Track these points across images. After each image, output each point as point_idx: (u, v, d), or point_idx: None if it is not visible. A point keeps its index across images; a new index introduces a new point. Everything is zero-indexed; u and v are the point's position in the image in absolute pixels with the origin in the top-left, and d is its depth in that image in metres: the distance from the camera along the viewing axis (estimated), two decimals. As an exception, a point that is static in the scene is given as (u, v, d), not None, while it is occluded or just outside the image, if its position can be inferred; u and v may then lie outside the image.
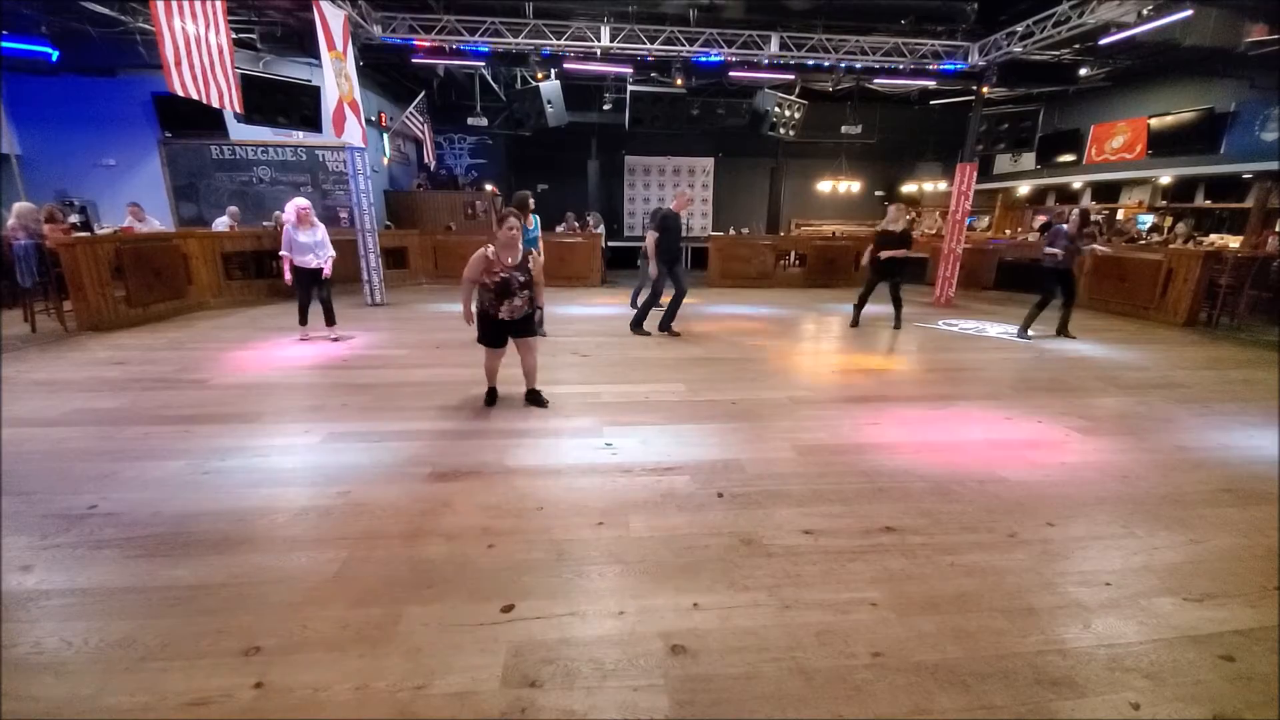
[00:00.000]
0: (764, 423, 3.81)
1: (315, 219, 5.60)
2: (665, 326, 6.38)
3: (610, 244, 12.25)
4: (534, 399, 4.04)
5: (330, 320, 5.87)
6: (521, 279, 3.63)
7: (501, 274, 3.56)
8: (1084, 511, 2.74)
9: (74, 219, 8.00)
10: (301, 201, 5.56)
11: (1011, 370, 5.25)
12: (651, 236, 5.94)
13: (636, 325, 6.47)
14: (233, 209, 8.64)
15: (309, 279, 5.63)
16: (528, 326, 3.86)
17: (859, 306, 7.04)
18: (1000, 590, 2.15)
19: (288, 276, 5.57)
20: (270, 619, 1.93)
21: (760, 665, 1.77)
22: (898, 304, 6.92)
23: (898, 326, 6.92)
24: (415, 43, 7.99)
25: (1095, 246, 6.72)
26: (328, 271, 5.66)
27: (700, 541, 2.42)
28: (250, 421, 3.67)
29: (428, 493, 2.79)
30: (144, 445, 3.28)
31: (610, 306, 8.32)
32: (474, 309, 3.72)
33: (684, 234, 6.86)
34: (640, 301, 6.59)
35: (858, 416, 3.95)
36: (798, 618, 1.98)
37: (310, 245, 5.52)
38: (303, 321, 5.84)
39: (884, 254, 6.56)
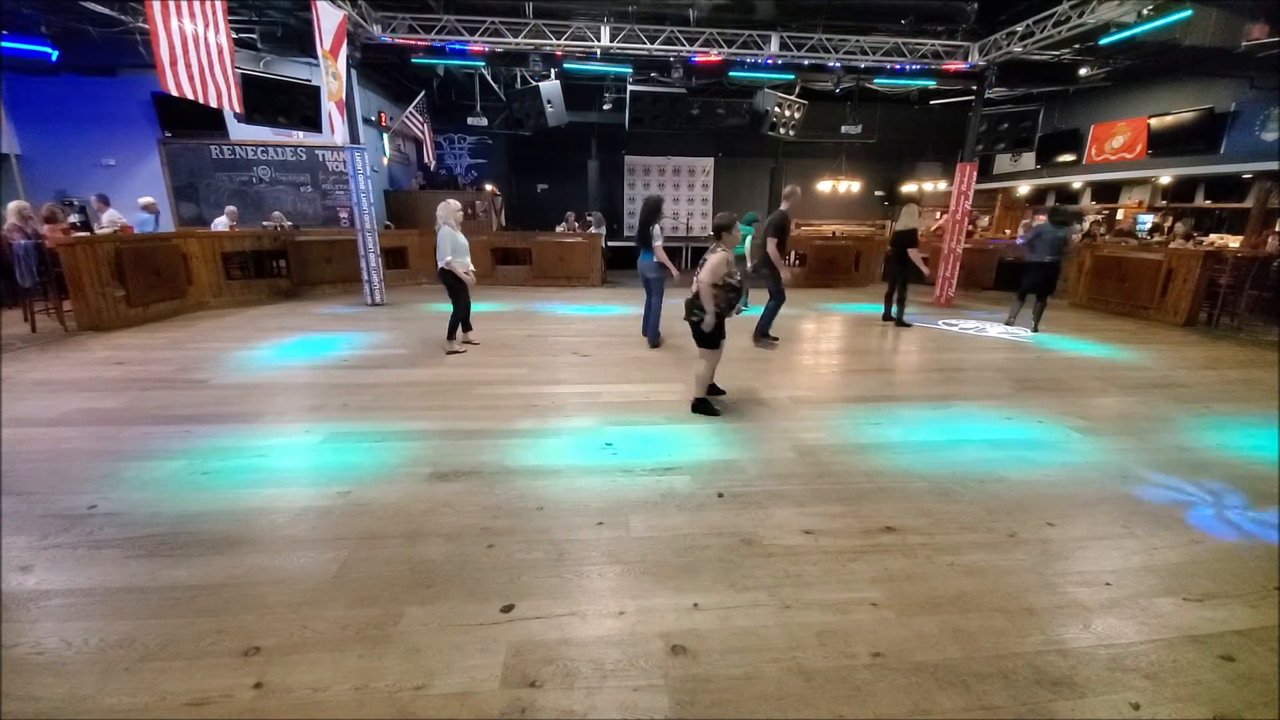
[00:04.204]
0: (764, 423, 3.81)
1: None
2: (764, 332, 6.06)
3: (610, 244, 12.24)
4: (715, 389, 4.19)
5: (454, 331, 5.57)
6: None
7: (739, 273, 3.71)
8: (1084, 511, 2.75)
9: (73, 219, 7.98)
10: (456, 202, 5.28)
11: (1011, 370, 5.24)
12: (773, 243, 5.66)
13: (761, 336, 6.04)
14: (231, 208, 8.65)
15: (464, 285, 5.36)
16: None
17: (888, 303, 7.28)
18: (1000, 590, 2.15)
19: (473, 281, 5.33)
20: (270, 619, 1.93)
21: (760, 665, 1.77)
22: (900, 302, 7.20)
23: (900, 323, 7.16)
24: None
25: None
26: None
27: (700, 541, 2.42)
28: (250, 421, 3.67)
29: (428, 493, 2.79)
30: (144, 445, 3.28)
31: (610, 306, 8.32)
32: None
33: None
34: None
35: (858, 416, 3.95)
36: (798, 618, 1.98)
37: (468, 248, 5.33)
38: (467, 327, 5.65)
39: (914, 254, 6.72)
